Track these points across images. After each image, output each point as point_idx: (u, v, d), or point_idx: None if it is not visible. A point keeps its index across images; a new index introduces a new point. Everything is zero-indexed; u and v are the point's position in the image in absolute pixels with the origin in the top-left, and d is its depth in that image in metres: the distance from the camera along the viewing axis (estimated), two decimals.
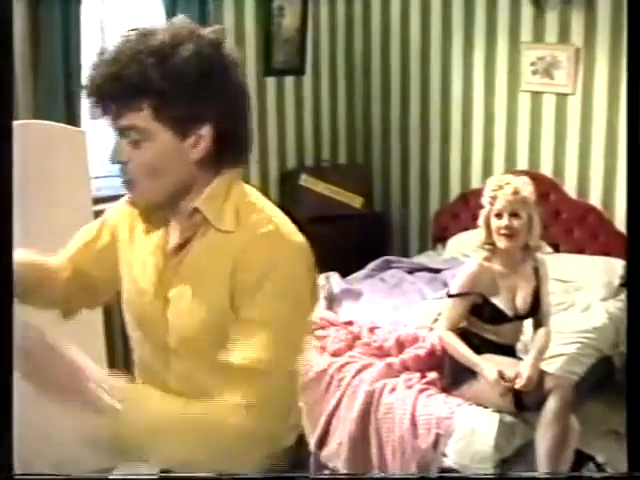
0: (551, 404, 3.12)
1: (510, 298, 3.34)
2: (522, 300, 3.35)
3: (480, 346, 3.33)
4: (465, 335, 3.36)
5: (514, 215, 3.23)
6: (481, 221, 3.33)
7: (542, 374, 3.26)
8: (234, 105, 1.53)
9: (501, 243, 3.26)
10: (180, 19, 1.54)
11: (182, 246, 1.57)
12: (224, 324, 1.49)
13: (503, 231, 3.24)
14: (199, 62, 1.46)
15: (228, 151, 1.54)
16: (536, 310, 3.39)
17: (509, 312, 3.33)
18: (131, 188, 1.54)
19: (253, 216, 1.53)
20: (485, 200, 3.30)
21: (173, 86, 1.44)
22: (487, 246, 3.32)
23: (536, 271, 3.39)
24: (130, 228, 1.71)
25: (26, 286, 1.68)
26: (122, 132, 1.50)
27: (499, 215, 3.25)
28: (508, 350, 3.40)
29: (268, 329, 1.45)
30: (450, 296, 3.42)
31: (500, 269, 3.33)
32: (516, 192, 3.23)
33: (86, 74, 1.50)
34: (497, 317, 3.33)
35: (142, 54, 1.44)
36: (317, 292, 1.60)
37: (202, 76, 1.46)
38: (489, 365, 3.22)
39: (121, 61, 1.44)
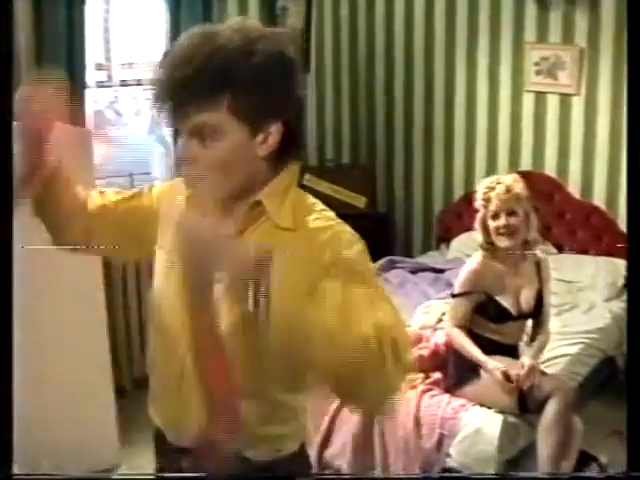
0: (551, 407, 3.12)
1: (514, 296, 3.35)
2: (526, 299, 3.36)
3: (483, 347, 3.33)
4: (468, 336, 3.36)
5: (511, 213, 3.25)
6: (478, 225, 3.35)
7: (543, 376, 3.25)
8: (301, 103, 1.59)
9: (502, 243, 3.27)
10: (238, 19, 1.58)
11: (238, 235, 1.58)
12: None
13: (502, 230, 3.26)
14: (279, 62, 1.51)
15: (291, 147, 1.59)
16: (539, 310, 3.40)
17: (513, 310, 3.34)
18: (195, 187, 1.56)
19: (313, 216, 1.58)
20: (478, 203, 3.33)
21: (254, 82, 1.48)
22: (486, 246, 3.34)
23: (538, 269, 3.40)
24: (171, 207, 1.70)
25: (50, 194, 1.74)
26: (193, 131, 1.51)
27: (495, 216, 3.27)
28: (511, 350, 3.40)
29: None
30: (454, 296, 3.43)
31: (503, 268, 3.34)
32: (509, 190, 3.25)
33: (157, 77, 1.51)
34: (501, 315, 3.34)
35: (222, 51, 1.47)
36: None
37: (281, 74, 1.52)
38: (496, 364, 3.23)
39: (198, 59, 1.46)
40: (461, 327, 3.37)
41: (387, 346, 1.37)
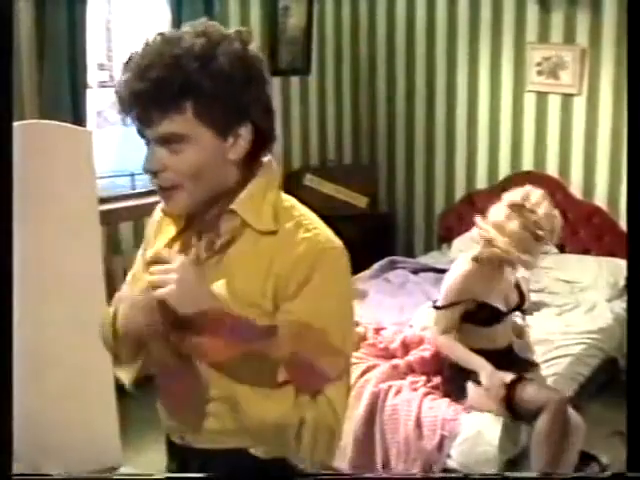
0: (542, 422, 3.06)
1: (502, 292, 3.27)
2: (511, 291, 3.31)
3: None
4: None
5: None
6: (521, 229, 3.12)
7: (536, 387, 3.19)
8: (269, 104, 1.57)
9: (543, 249, 3.26)
10: (200, 22, 1.54)
11: (220, 249, 1.57)
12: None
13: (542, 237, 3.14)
14: (242, 62, 1.49)
15: (262, 150, 1.57)
16: (523, 300, 3.35)
17: (503, 307, 3.26)
18: (168, 196, 1.54)
19: (293, 219, 1.55)
20: (530, 208, 3.15)
21: (218, 86, 1.46)
22: (486, 252, 3.19)
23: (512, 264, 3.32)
24: (155, 233, 1.71)
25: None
26: (160, 140, 1.50)
27: (540, 226, 3.12)
28: (505, 355, 3.30)
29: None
30: (439, 308, 3.30)
31: (491, 271, 3.23)
32: (551, 209, 3.19)
33: (118, 86, 1.50)
34: (492, 317, 3.24)
35: (183, 58, 1.45)
36: (353, 295, 1.64)
37: (245, 76, 1.50)
38: (488, 367, 3.16)
39: (160, 66, 1.45)
40: (448, 333, 3.27)
41: (305, 442, 1.49)
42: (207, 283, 1.50)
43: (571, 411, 3.19)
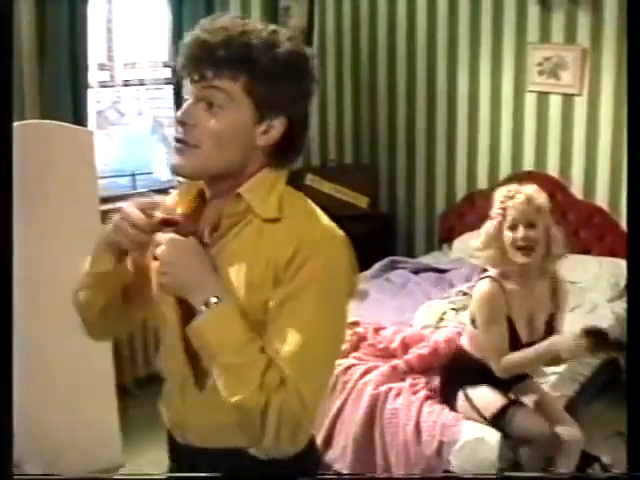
0: (530, 453, 3.04)
1: (526, 321, 3.06)
2: (539, 324, 3.07)
3: (479, 373, 3.11)
4: (464, 360, 3.20)
5: (530, 226, 2.96)
6: (488, 237, 3.03)
7: (528, 416, 3.08)
8: (307, 111, 1.61)
9: (518, 258, 2.96)
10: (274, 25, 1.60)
11: (221, 234, 1.59)
12: (261, 316, 1.52)
13: (520, 244, 2.95)
14: (300, 62, 1.56)
15: (288, 148, 1.60)
16: (550, 336, 3.03)
17: (524, 337, 3.04)
18: (185, 152, 1.55)
19: (298, 210, 1.58)
20: (495, 212, 3.03)
21: (272, 70, 1.51)
22: (500, 264, 3.03)
23: (554, 291, 3.10)
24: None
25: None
26: (202, 96, 1.53)
27: (513, 227, 2.97)
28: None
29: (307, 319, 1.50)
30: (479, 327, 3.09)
31: (516, 288, 3.03)
32: (529, 200, 2.97)
33: (185, 38, 1.54)
34: (513, 342, 3.03)
35: (250, 34, 1.51)
36: (354, 286, 1.62)
37: (299, 72, 1.56)
38: (563, 335, 2.96)
39: (230, 31, 1.51)
40: (504, 355, 3.02)
41: (271, 419, 1.45)
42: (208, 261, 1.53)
43: (563, 429, 3.08)
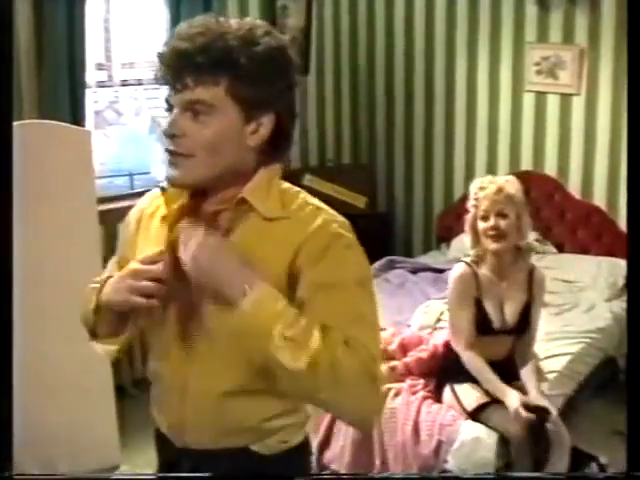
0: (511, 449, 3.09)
1: (498, 307, 3.19)
2: (510, 312, 3.20)
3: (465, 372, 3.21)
4: (451, 355, 3.28)
5: (500, 215, 3.08)
6: (466, 225, 3.19)
7: (501, 417, 3.10)
8: (293, 104, 1.60)
9: (489, 245, 3.11)
10: (247, 18, 1.61)
11: (221, 234, 1.58)
12: None
13: (490, 232, 3.09)
14: (279, 56, 1.55)
15: (279, 144, 1.60)
16: (523, 327, 3.21)
17: (496, 322, 3.18)
18: (179, 163, 1.54)
19: (302, 206, 1.59)
20: (470, 203, 3.18)
21: (253, 69, 1.50)
22: (475, 250, 3.19)
23: (530, 280, 3.22)
24: (149, 217, 1.71)
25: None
26: (187, 106, 1.52)
27: (485, 217, 3.11)
28: (499, 367, 3.21)
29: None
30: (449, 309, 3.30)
31: (488, 274, 3.18)
32: (500, 190, 3.09)
33: (162, 47, 1.54)
34: (482, 326, 3.18)
35: (228, 35, 1.50)
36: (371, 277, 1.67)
37: (281, 67, 1.55)
38: (513, 394, 3.07)
39: (207, 35, 1.49)
40: (471, 343, 3.18)
41: (326, 370, 1.43)
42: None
43: (551, 426, 3.09)
